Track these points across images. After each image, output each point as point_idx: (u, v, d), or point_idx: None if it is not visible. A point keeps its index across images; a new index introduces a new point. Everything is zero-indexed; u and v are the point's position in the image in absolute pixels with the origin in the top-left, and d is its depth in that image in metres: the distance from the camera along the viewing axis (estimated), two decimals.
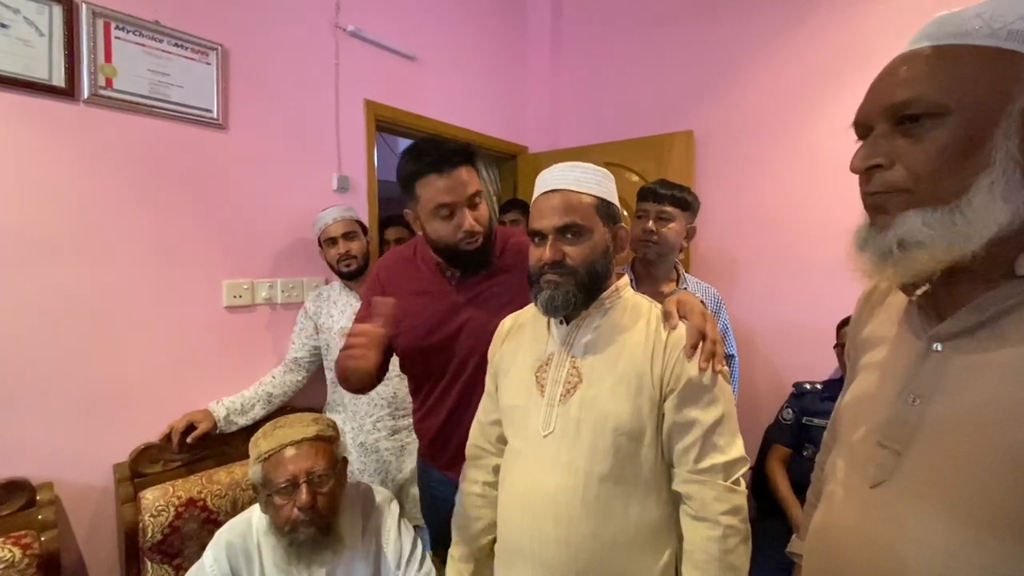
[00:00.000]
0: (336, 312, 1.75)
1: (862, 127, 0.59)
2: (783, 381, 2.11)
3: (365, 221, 2.09)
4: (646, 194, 1.51)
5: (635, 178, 2.42)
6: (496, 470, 1.05)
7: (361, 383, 1.20)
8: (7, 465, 1.29)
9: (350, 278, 1.76)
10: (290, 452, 1.07)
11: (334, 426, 1.19)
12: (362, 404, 1.69)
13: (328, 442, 1.13)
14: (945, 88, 0.51)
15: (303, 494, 1.04)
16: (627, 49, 2.64)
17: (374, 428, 1.68)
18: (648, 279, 1.52)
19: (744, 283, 2.31)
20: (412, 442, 1.68)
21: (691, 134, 2.35)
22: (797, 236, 2.15)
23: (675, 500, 0.88)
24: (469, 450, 1.10)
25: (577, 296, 0.89)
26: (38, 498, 1.31)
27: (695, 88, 2.41)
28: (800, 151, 2.14)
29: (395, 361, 1.60)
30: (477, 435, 1.10)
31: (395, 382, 1.67)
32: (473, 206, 1.14)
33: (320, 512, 1.06)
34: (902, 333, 0.64)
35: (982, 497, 0.50)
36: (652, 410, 0.85)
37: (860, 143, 0.58)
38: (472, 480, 1.09)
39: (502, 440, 1.04)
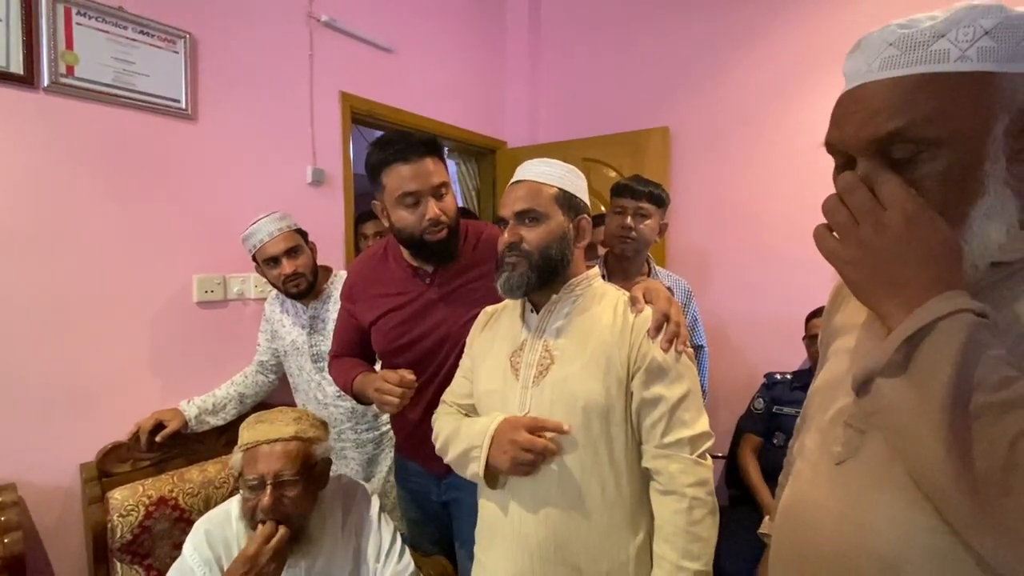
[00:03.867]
0: (288, 323, 1.66)
1: (838, 154, 0.58)
2: (755, 372, 2.17)
3: (340, 216, 2.07)
4: (622, 190, 1.52)
5: (612, 173, 2.45)
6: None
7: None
8: None
9: (299, 297, 1.59)
10: (265, 449, 1.06)
11: (320, 425, 1.17)
12: (325, 416, 1.63)
13: (306, 443, 1.11)
14: (933, 121, 0.50)
15: (266, 496, 1.03)
16: (605, 45, 2.65)
17: (339, 438, 1.65)
18: (621, 273, 1.54)
19: (717, 277, 2.36)
20: (380, 454, 1.67)
21: (667, 130, 2.38)
22: (770, 231, 2.20)
23: (647, 480, 0.91)
24: (439, 408, 1.13)
25: (530, 277, 0.93)
26: (0, 499, 1.27)
27: (671, 85, 2.44)
28: (775, 147, 2.19)
29: None
30: (447, 398, 1.12)
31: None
32: (439, 196, 1.16)
33: (284, 514, 1.04)
34: (871, 321, 0.66)
35: None
36: (620, 389, 0.88)
37: (837, 167, 0.58)
38: (442, 411, 1.11)
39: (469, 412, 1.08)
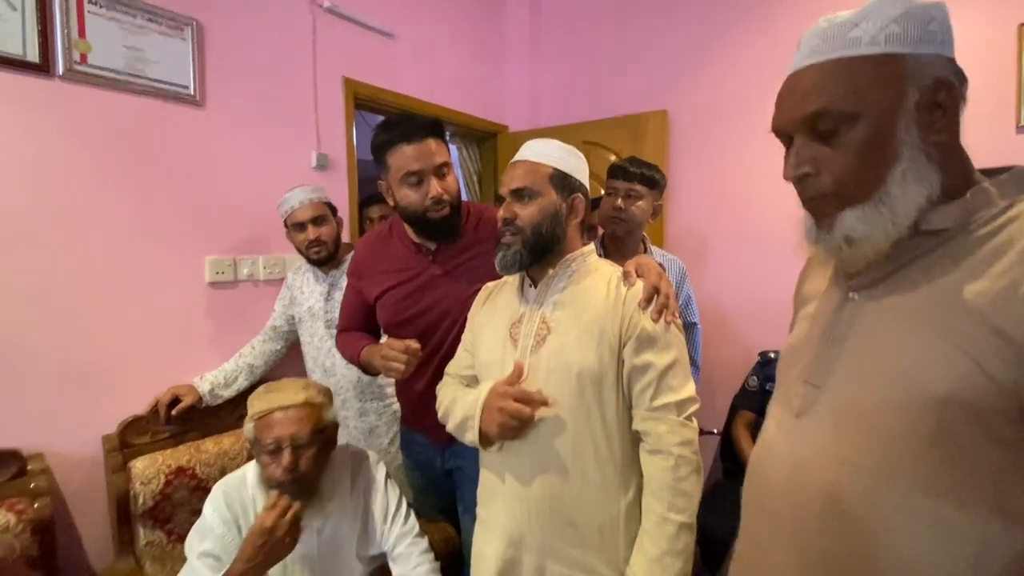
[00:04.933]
0: (307, 291, 1.75)
1: (782, 135, 0.66)
2: (750, 351, 2.22)
3: (344, 200, 2.12)
4: (616, 172, 1.56)
5: (612, 157, 2.48)
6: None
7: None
8: None
9: (319, 264, 1.71)
10: (278, 416, 1.12)
11: (326, 392, 1.23)
12: (331, 384, 1.70)
13: (316, 408, 1.18)
14: (850, 97, 0.58)
15: (286, 457, 1.10)
16: (605, 29, 2.66)
17: (343, 406, 1.72)
18: (617, 253, 1.59)
19: (715, 259, 2.41)
20: (380, 425, 1.73)
21: (665, 113, 2.41)
22: (766, 214, 2.24)
23: (637, 441, 0.97)
24: (443, 380, 1.19)
25: (523, 255, 0.99)
26: (29, 468, 1.35)
27: (670, 68, 2.46)
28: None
29: None
30: (450, 370, 1.19)
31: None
32: (441, 176, 1.21)
33: (302, 474, 1.12)
34: (830, 288, 0.72)
35: (876, 417, 0.59)
36: (612, 357, 0.94)
37: (785, 148, 0.66)
38: (446, 383, 1.17)
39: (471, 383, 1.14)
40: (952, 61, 0.59)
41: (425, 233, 1.27)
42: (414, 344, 1.15)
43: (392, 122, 1.21)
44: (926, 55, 0.57)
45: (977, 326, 0.54)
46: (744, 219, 2.31)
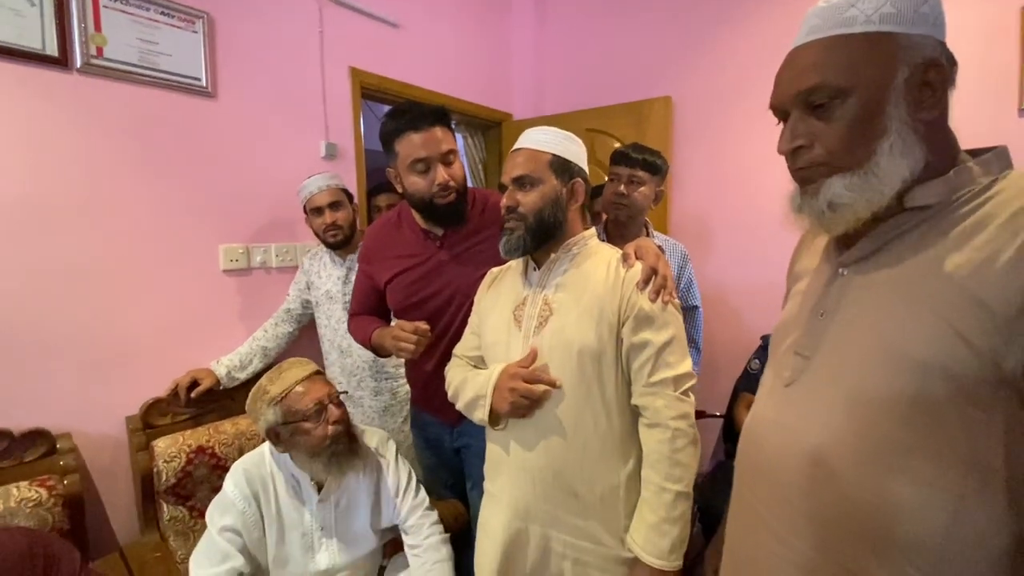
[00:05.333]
0: (324, 275, 1.81)
1: (779, 112, 0.70)
2: (753, 335, 2.25)
3: (353, 188, 2.16)
4: (618, 158, 1.59)
5: (616, 144, 2.50)
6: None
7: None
8: (27, 417, 1.39)
9: (336, 247, 1.78)
10: (304, 386, 1.17)
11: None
12: (348, 364, 1.79)
13: (323, 375, 1.25)
14: (844, 73, 0.61)
15: (334, 410, 1.18)
16: (608, 16, 2.67)
17: (359, 386, 1.78)
18: (619, 239, 1.62)
19: (718, 244, 2.43)
20: (395, 404, 1.79)
21: (669, 99, 2.42)
22: (769, 199, 2.25)
23: (636, 416, 1.01)
24: (451, 361, 1.24)
25: (526, 239, 1.03)
26: (58, 446, 1.41)
27: (674, 54, 2.47)
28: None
29: None
30: (457, 352, 1.24)
31: None
32: (447, 163, 1.25)
33: (348, 423, 1.21)
34: (821, 264, 0.76)
35: (861, 383, 0.62)
36: (611, 335, 0.98)
37: (781, 124, 0.69)
38: (454, 364, 1.23)
39: (475, 368, 1.19)
40: (943, 44, 0.62)
41: (432, 219, 1.31)
42: (423, 325, 1.20)
43: (400, 111, 1.25)
44: (917, 35, 0.60)
45: (957, 296, 0.57)
46: (747, 204, 2.33)
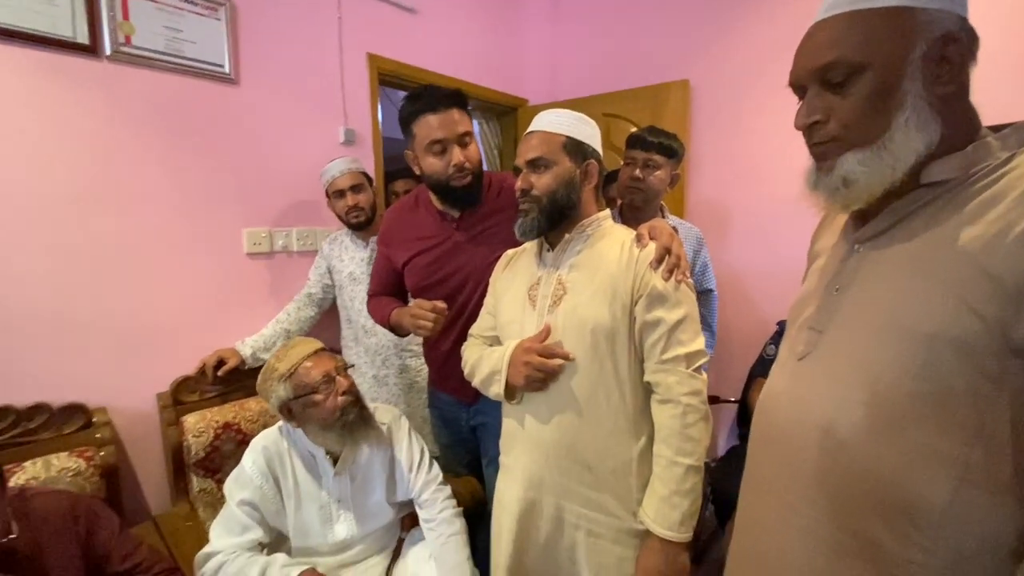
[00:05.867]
0: (347, 258, 1.86)
1: (797, 88, 0.70)
2: (769, 321, 2.25)
3: (371, 174, 2.19)
4: (634, 142, 1.59)
5: (633, 128, 2.47)
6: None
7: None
8: (65, 392, 1.46)
9: (358, 229, 1.83)
10: (309, 362, 1.21)
11: None
12: (372, 343, 1.83)
13: (328, 351, 1.29)
14: (861, 48, 0.62)
15: (342, 380, 1.22)
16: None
17: (383, 365, 1.83)
18: (634, 222, 1.61)
19: (735, 229, 2.42)
20: (419, 382, 1.83)
21: (687, 83, 2.40)
22: (787, 184, 2.21)
23: (648, 394, 1.03)
24: (468, 340, 1.27)
25: (540, 221, 1.05)
26: (94, 420, 1.49)
27: (692, 37, 2.44)
28: (795, 99, 2.17)
29: None
30: (471, 336, 1.27)
31: None
32: (463, 145, 1.27)
33: (356, 394, 1.25)
34: (839, 242, 0.77)
35: (871, 354, 0.63)
36: (624, 314, 1.00)
37: (799, 102, 0.70)
38: (470, 344, 1.25)
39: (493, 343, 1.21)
40: (964, 19, 0.61)
41: (448, 200, 1.34)
42: (441, 304, 1.23)
43: (418, 94, 1.28)
44: (936, 10, 0.60)
45: (968, 269, 0.57)
46: (765, 189, 2.30)
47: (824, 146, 0.67)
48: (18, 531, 0.92)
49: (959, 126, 0.63)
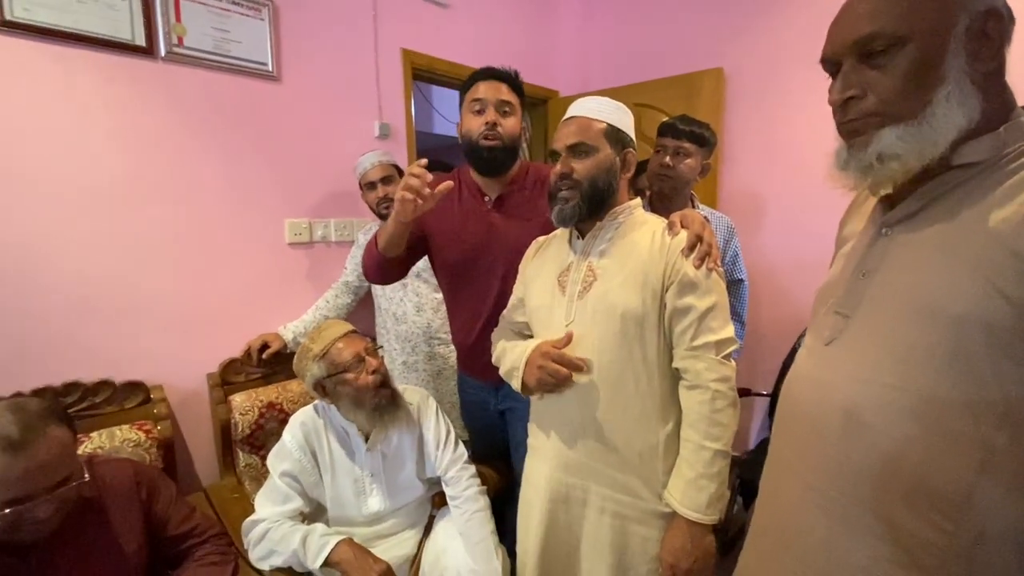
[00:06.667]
0: None
1: (831, 63, 0.68)
2: (803, 314, 2.19)
3: (403, 166, 2.25)
4: (665, 130, 1.59)
5: (664, 118, 2.45)
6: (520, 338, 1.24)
7: (396, 253, 1.32)
8: (126, 370, 1.58)
9: None
10: (341, 344, 1.28)
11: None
12: (402, 331, 1.89)
13: (359, 333, 1.35)
14: (903, 20, 0.60)
15: (372, 360, 1.29)
16: None
17: (413, 351, 1.89)
18: (664, 211, 1.61)
19: (769, 221, 2.37)
20: (447, 368, 1.89)
21: (721, 71, 2.36)
22: (822, 175, 2.17)
23: (677, 379, 1.04)
24: (496, 330, 1.30)
25: (581, 208, 1.05)
26: (151, 396, 1.60)
27: (726, 24, 2.39)
28: None
29: (430, 296, 1.79)
30: (502, 324, 1.30)
31: (428, 315, 1.87)
32: (503, 113, 1.34)
33: (386, 375, 1.31)
34: (867, 226, 0.76)
35: (897, 338, 0.63)
36: (654, 300, 1.01)
37: (832, 79, 0.68)
38: (499, 333, 1.28)
39: (522, 334, 1.25)
40: None
41: (476, 163, 1.38)
42: (422, 161, 1.17)
43: (478, 70, 1.38)
44: None
45: (997, 250, 0.57)
46: (800, 180, 2.25)
47: (859, 122, 0.65)
48: (89, 483, 1.01)
49: (995, 104, 0.61)
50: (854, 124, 0.66)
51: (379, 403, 1.28)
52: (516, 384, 1.11)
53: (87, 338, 1.52)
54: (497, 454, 1.62)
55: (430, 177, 1.15)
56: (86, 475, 0.98)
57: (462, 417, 1.70)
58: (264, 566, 1.21)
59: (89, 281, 1.51)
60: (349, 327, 1.34)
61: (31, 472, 0.89)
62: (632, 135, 1.10)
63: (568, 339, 1.06)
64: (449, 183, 1.18)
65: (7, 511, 0.88)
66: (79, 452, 1.14)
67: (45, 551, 0.97)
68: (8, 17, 1.34)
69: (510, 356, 1.15)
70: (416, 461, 1.41)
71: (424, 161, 1.18)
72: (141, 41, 1.55)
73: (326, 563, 1.17)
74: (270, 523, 1.23)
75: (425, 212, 1.43)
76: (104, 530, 1.05)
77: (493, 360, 1.24)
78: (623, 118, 1.08)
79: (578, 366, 1.02)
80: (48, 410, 0.96)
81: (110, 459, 1.19)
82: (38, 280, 1.44)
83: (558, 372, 1.02)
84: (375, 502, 1.36)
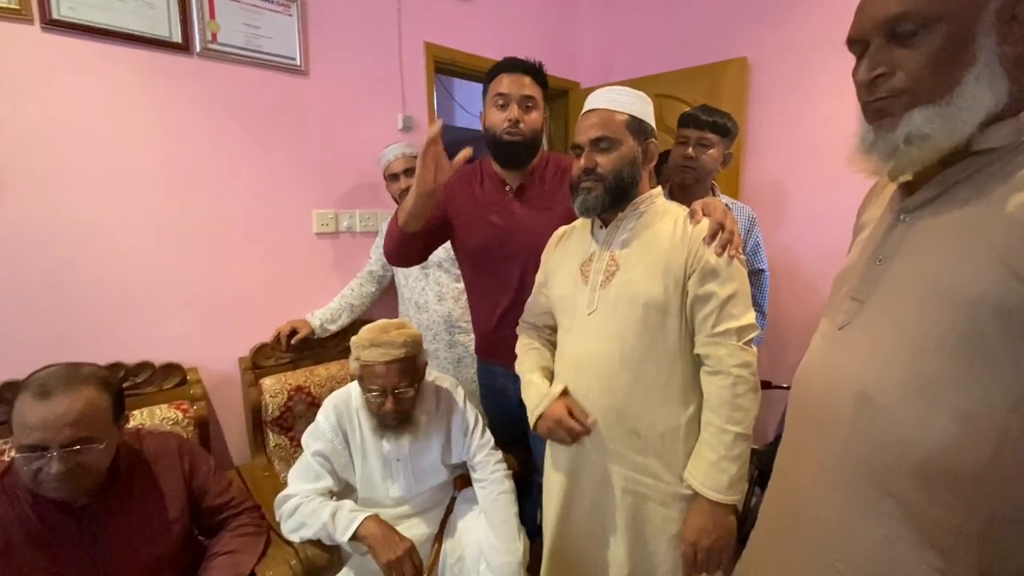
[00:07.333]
0: None
1: (857, 44, 0.68)
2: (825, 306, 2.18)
3: None
4: (687, 120, 1.59)
5: (687, 108, 2.45)
6: (542, 341, 1.29)
7: (415, 228, 1.31)
8: (165, 353, 1.66)
9: None
10: (381, 369, 1.26)
11: (419, 340, 1.34)
12: (423, 319, 1.94)
13: (413, 360, 1.30)
14: (933, 0, 0.60)
15: (388, 403, 1.28)
16: None
17: (434, 339, 1.94)
18: (685, 202, 1.62)
19: (792, 212, 2.34)
20: (467, 357, 1.92)
21: (745, 61, 2.33)
22: (847, 166, 2.14)
23: (698, 364, 1.06)
24: (519, 327, 1.33)
25: (605, 199, 1.07)
26: (188, 378, 1.68)
27: (750, 12, 2.36)
28: None
29: (451, 285, 1.83)
30: (525, 317, 1.33)
31: (449, 304, 1.91)
32: (525, 107, 1.35)
33: (400, 411, 1.31)
34: (885, 213, 0.76)
35: (912, 321, 0.64)
36: (676, 288, 1.03)
37: (858, 61, 0.68)
38: (523, 343, 1.32)
39: (545, 328, 1.27)
40: None
41: (499, 158, 1.40)
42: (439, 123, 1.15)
43: (502, 61, 1.39)
44: None
45: (1015, 235, 0.57)
46: (825, 171, 2.21)
47: (886, 101, 0.64)
48: (126, 454, 1.07)
49: (1019, 89, 0.61)
50: (881, 103, 0.65)
51: (385, 423, 1.32)
52: (532, 423, 1.17)
53: (129, 323, 1.60)
54: (515, 440, 1.65)
55: (439, 125, 1.13)
56: (102, 444, 0.98)
57: (481, 404, 1.74)
58: (295, 538, 1.27)
59: (131, 268, 1.59)
60: (401, 353, 1.26)
61: (48, 422, 0.91)
62: (653, 123, 1.10)
63: (568, 410, 1.11)
64: (468, 150, 1.17)
65: (22, 456, 0.92)
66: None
67: (98, 514, 1.04)
68: (55, 16, 1.41)
69: (531, 395, 1.19)
70: (442, 448, 1.45)
71: (440, 121, 1.17)
72: (178, 38, 1.61)
73: (354, 537, 1.22)
74: (301, 498, 1.29)
75: (447, 197, 1.47)
76: (153, 497, 1.12)
77: (516, 370, 1.28)
78: (644, 108, 1.09)
79: (586, 430, 1.09)
80: (94, 375, 1.00)
81: (155, 432, 1.26)
82: (85, 267, 1.52)
83: (572, 429, 1.10)
84: (400, 485, 1.41)
